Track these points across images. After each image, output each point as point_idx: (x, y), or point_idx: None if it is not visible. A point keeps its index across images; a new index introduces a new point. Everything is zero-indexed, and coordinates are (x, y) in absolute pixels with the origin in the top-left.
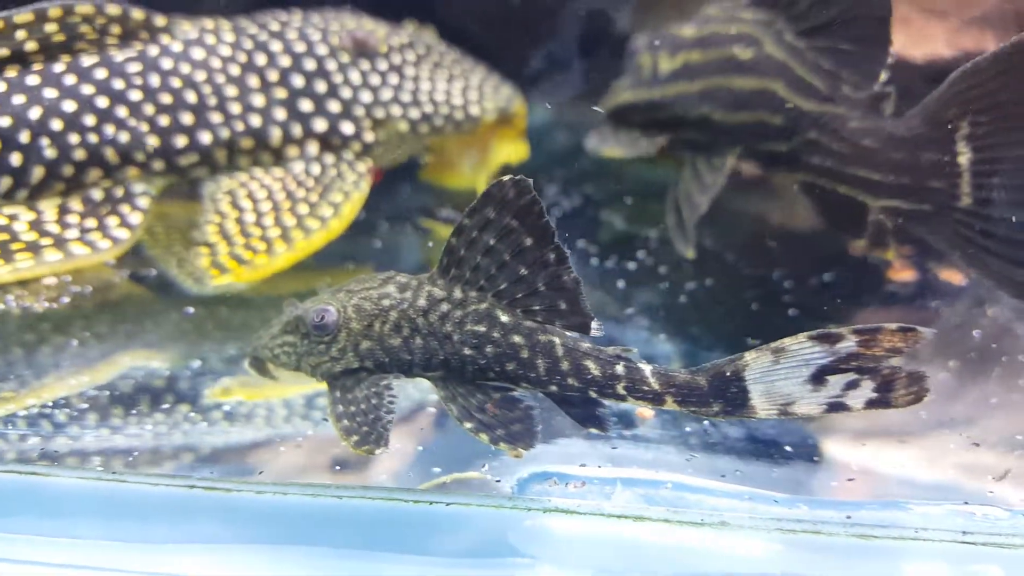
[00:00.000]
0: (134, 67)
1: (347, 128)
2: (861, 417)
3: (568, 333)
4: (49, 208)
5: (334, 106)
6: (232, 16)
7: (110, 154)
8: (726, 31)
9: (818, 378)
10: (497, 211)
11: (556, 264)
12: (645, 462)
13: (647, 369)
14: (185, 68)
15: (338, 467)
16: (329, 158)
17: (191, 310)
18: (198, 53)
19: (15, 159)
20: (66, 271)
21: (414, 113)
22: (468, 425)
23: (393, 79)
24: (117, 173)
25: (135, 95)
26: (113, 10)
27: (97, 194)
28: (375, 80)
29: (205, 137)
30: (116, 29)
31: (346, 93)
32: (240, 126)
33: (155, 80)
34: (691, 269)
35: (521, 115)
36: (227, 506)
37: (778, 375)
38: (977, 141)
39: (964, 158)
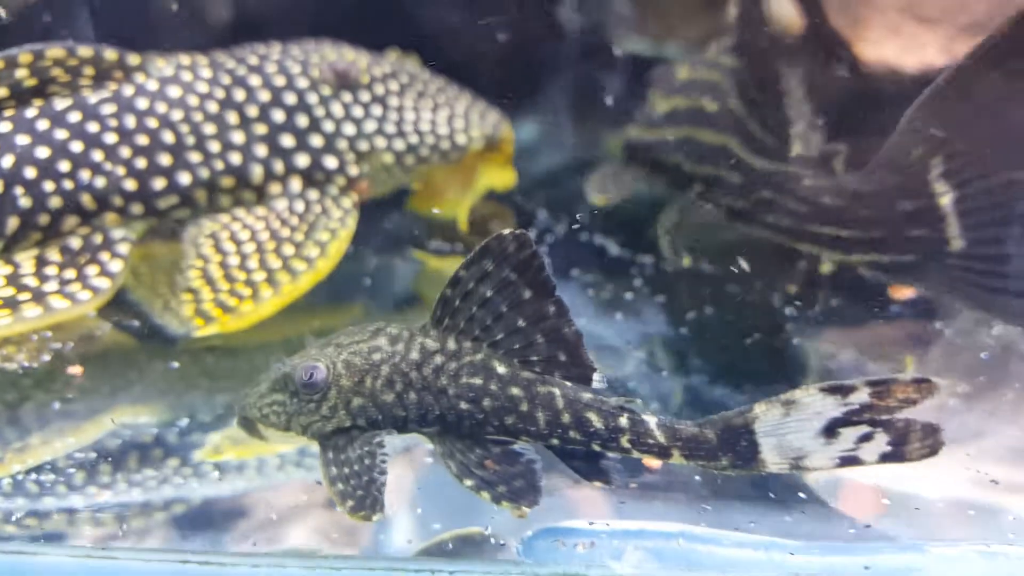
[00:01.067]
0: (108, 108)
1: (330, 162)
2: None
3: (568, 384)
4: (26, 260)
5: (316, 140)
6: (208, 51)
7: (87, 200)
8: (705, 78)
9: (830, 431)
10: (496, 264)
11: (556, 317)
12: (655, 514)
13: (652, 421)
14: (161, 107)
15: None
16: (313, 194)
17: (175, 364)
18: (174, 91)
19: None
20: (46, 326)
21: (399, 144)
22: (468, 483)
23: (376, 110)
24: (95, 219)
25: (110, 137)
26: (85, 52)
27: (75, 242)
28: (358, 112)
29: (184, 178)
30: (89, 70)
31: (328, 127)
32: (220, 165)
33: (131, 121)
34: (687, 294)
35: (508, 141)
36: None
37: (789, 428)
38: (955, 177)
39: (946, 199)
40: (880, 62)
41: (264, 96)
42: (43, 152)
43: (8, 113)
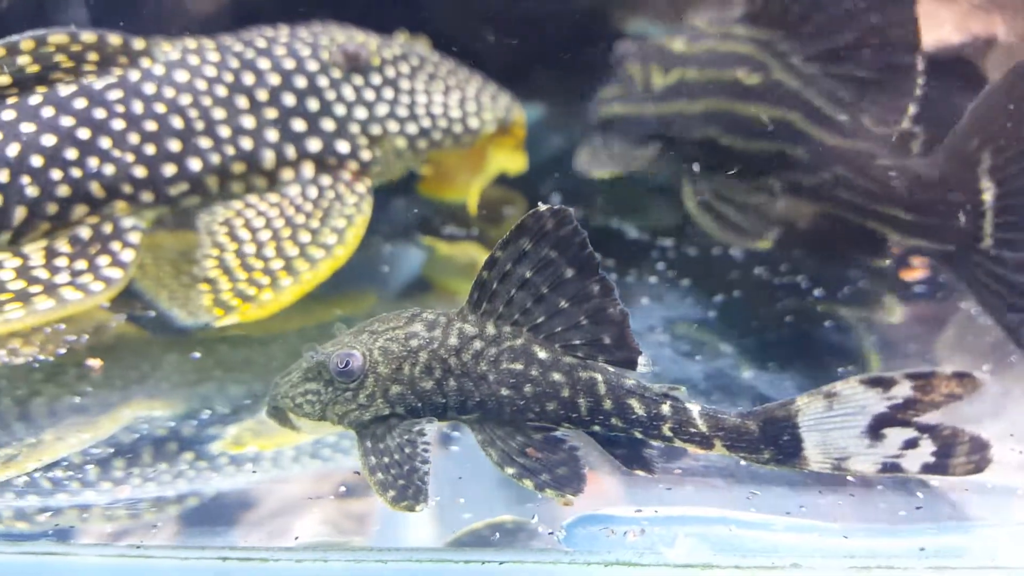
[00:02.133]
0: (115, 94)
1: (343, 147)
2: None
3: (611, 369)
4: (35, 252)
5: (328, 124)
6: (215, 34)
7: (96, 188)
8: (723, 49)
9: (875, 431)
10: (534, 242)
11: (601, 296)
12: (701, 500)
13: (695, 410)
14: (169, 92)
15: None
16: (326, 179)
17: (197, 355)
18: (182, 75)
19: None
20: (59, 319)
21: (411, 128)
22: (510, 471)
23: (388, 93)
24: (104, 208)
25: (118, 124)
26: (88, 37)
27: (85, 232)
28: (369, 95)
29: (195, 164)
30: (93, 56)
31: (340, 110)
32: (231, 150)
33: (138, 106)
34: (706, 276)
35: (520, 124)
36: None
37: (833, 423)
38: (998, 174)
39: (988, 195)
40: None
41: (274, 79)
42: (49, 140)
43: (11, 101)
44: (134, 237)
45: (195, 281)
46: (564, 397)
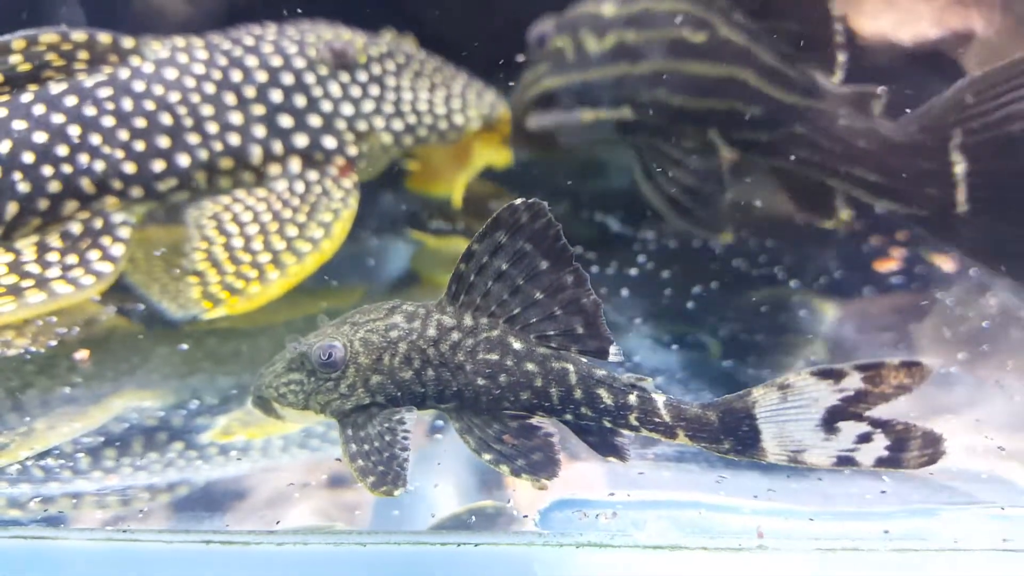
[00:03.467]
0: (105, 91)
1: (329, 142)
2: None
3: (583, 360)
4: (27, 247)
5: (315, 120)
6: (204, 32)
7: (86, 184)
8: (660, 9)
9: (830, 424)
10: (509, 235)
11: (574, 287)
12: (673, 485)
13: (660, 400)
14: (158, 89)
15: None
16: (312, 175)
17: (184, 347)
18: (171, 73)
19: None
20: (50, 312)
21: (397, 124)
22: (487, 457)
23: (374, 90)
24: (95, 203)
25: (108, 121)
26: (79, 36)
27: (76, 227)
28: (356, 92)
29: (183, 160)
30: (84, 55)
31: (327, 107)
32: (219, 146)
33: (128, 104)
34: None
35: (505, 120)
36: (247, 560)
37: (788, 415)
38: (970, 152)
39: (959, 168)
40: (876, 34)
41: (261, 77)
42: (40, 137)
43: (3, 99)
44: (124, 232)
45: (184, 274)
46: (537, 386)
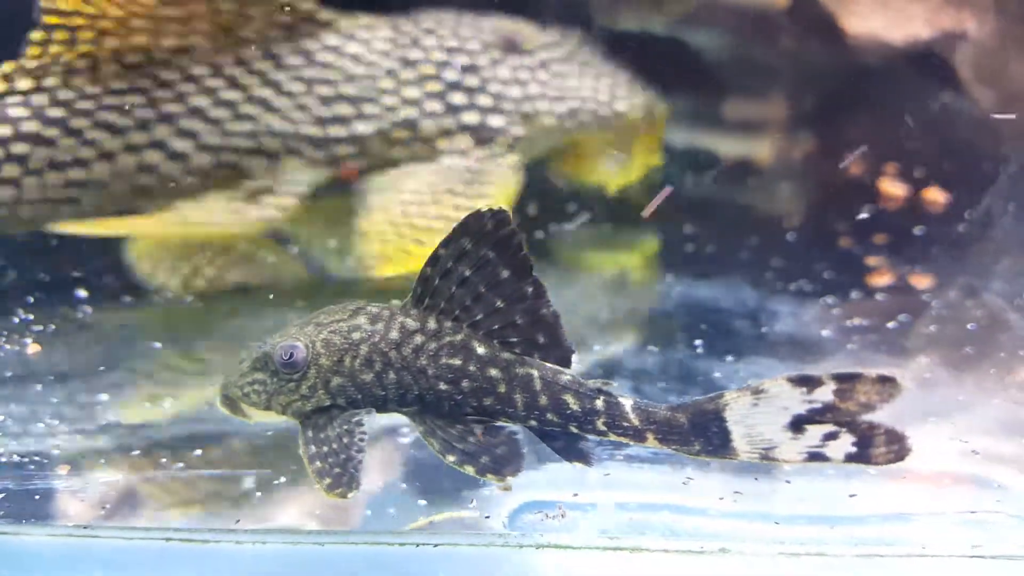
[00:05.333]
0: (296, 60)
1: (496, 122)
2: None
3: (547, 365)
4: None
5: (484, 100)
6: (388, 14)
7: (270, 143)
8: None
9: (796, 426)
10: (474, 242)
11: (534, 298)
12: (640, 486)
13: (627, 404)
14: (343, 62)
15: None
16: (479, 151)
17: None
18: (355, 48)
19: (180, 145)
20: (217, 234)
21: (561, 108)
22: (451, 459)
23: (541, 75)
24: (278, 162)
25: (297, 87)
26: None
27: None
28: (524, 76)
29: (362, 128)
30: (283, 20)
31: (496, 88)
32: (395, 118)
33: (314, 73)
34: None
35: (662, 121)
36: (205, 558)
37: (758, 418)
38: None
39: None
40: (867, 34)
41: (438, 56)
42: (234, 95)
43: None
44: (298, 188)
45: (360, 236)
46: (500, 392)
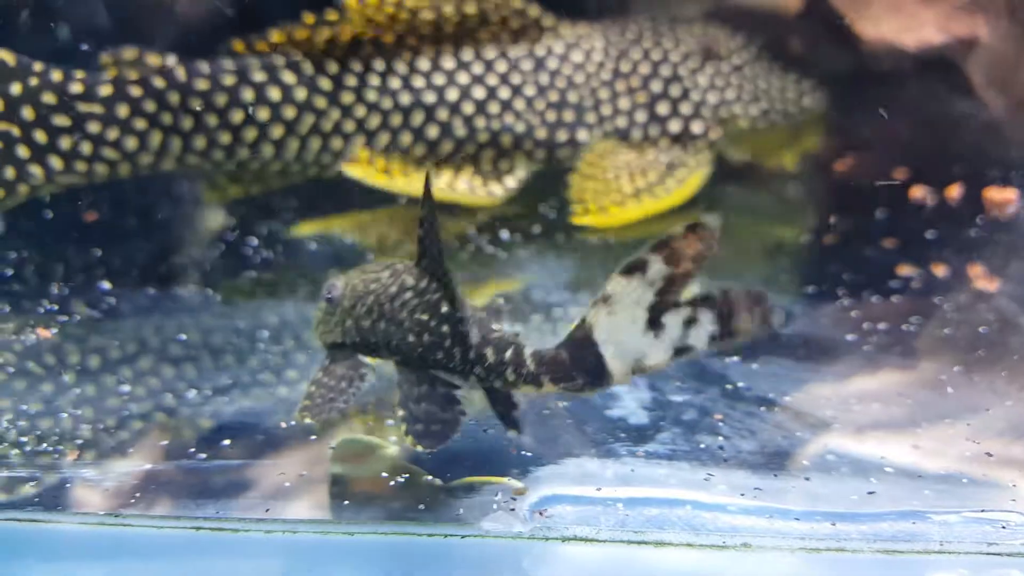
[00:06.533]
0: (528, 64)
1: (697, 127)
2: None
3: (488, 327)
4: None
5: (686, 108)
6: (599, 22)
7: (506, 140)
8: None
9: (655, 322)
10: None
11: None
12: (661, 481)
13: (527, 350)
14: (567, 69)
15: None
16: (677, 150)
17: None
18: (578, 56)
19: (432, 131)
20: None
21: (754, 110)
22: (400, 413)
23: (736, 80)
24: (507, 157)
25: (530, 90)
26: (517, 2)
27: (486, 166)
28: (721, 82)
29: (582, 135)
30: (515, 23)
31: (696, 96)
32: (608, 127)
33: (545, 79)
34: None
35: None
36: (235, 547)
37: (619, 329)
38: None
39: None
40: (880, 39)
41: (644, 69)
42: (479, 93)
43: (445, 47)
44: (522, 174)
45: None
46: (446, 347)
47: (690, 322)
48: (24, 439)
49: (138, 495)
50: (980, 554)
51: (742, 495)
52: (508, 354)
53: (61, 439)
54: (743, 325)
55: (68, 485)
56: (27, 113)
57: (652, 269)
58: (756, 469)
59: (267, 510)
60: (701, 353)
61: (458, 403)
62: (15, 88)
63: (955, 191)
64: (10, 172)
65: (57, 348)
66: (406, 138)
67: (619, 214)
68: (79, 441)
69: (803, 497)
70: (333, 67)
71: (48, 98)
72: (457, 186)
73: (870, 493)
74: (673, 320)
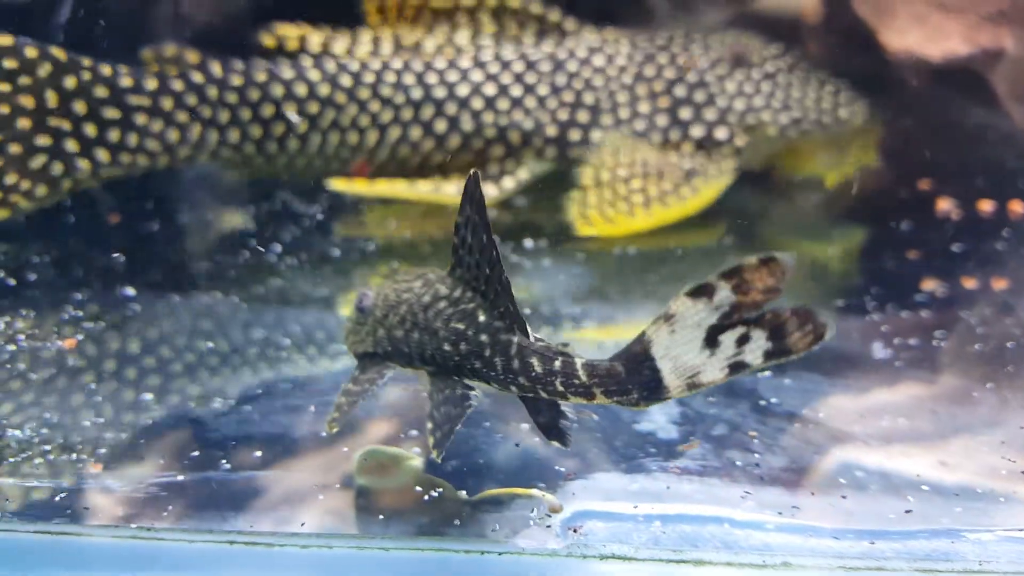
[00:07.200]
0: (545, 66)
1: (721, 134)
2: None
3: (527, 336)
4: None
5: (710, 114)
6: (627, 28)
7: (514, 137)
8: None
9: (711, 340)
10: (470, 207)
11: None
12: (698, 498)
13: (579, 362)
14: (586, 72)
15: None
16: (700, 157)
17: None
18: (599, 60)
19: (440, 126)
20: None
21: (783, 119)
22: (429, 424)
23: (766, 87)
24: (516, 154)
25: (543, 90)
26: (536, 8)
27: (493, 168)
28: (749, 88)
29: (596, 136)
30: (534, 26)
31: (722, 102)
32: (626, 130)
33: (561, 80)
34: None
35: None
36: (270, 562)
37: (679, 346)
38: None
39: None
40: (904, 50)
41: (669, 73)
42: (490, 90)
43: (464, 43)
44: (525, 175)
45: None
46: (486, 356)
47: (744, 340)
48: (48, 448)
49: (170, 508)
50: (1020, 574)
51: (780, 513)
52: (557, 364)
53: (85, 448)
54: (797, 342)
55: (94, 496)
56: (79, 107)
57: (720, 295)
58: (791, 487)
59: (303, 524)
60: (756, 369)
61: (469, 400)
62: (69, 82)
63: (984, 205)
64: (58, 167)
65: (81, 356)
66: (416, 132)
67: (626, 223)
68: (103, 451)
69: (840, 515)
70: (354, 64)
71: (100, 92)
72: (453, 189)
73: (907, 512)
74: (728, 338)
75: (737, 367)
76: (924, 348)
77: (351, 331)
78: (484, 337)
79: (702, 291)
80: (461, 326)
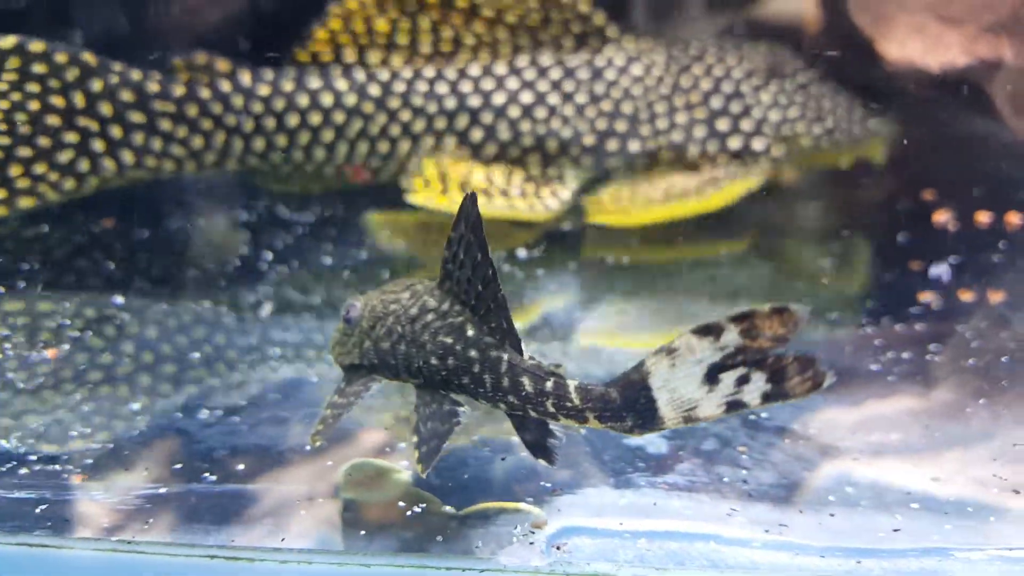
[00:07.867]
0: (584, 73)
1: (758, 145)
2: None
3: (517, 354)
4: (498, 174)
5: (746, 125)
6: (663, 38)
7: (551, 145)
8: None
9: (712, 377)
10: (465, 225)
11: (494, 280)
12: (686, 515)
13: (572, 384)
14: (625, 81)
15: None
16: (733, 166)
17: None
18: (637, 69)
19: (476, 134)
20: (503, 217)
21: (817, 129)
22: (414, 438)
23: (799, 98)
24: (554, 163)
25: (581, 98)
26: (584, 7)
27: (534, 172)
28: (783, 100)
29: (633, 146)
30: (576, 28)
31: (758, 113)
32: (663, 141)
33: (600, 88)
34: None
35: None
36: None
37: (678, 380)
38: None
39: None
40: (904, 61)
41: (706, 84)
42: (527, 98)
43: (504, 50)
44: (573, 184)
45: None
46: (475, 372)
47: (743, 380)
48: (33, 458)
49: (151, 520)
50: None
51: (767, 531)
52: (548, 385)
53: (70, 459)
54: (795, 387)
55: (76, 508)
56: (105, 109)
57: (726, 336)
58: (779, 505)
59: (282, 539)
60: (752, 410)
61: (456, 417)
62: (96, 85)
63: (981, 216)
64: (84, 164)
65: (66, 365)
66: (449, 141)
67: (640, 215)
68: (88, 461)
69: (828, 534)
70: (384, 73)
71: (126, 95)
72: (514, 202)
73: (896, 530)
74: (728, 377)
75: (734, 405)
76: (918, 361)
77: (338, 342)
78: (473, 352)
79: (709, 331)
80: (449, 340)
